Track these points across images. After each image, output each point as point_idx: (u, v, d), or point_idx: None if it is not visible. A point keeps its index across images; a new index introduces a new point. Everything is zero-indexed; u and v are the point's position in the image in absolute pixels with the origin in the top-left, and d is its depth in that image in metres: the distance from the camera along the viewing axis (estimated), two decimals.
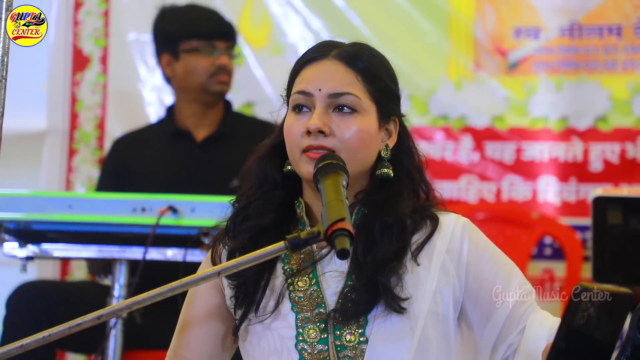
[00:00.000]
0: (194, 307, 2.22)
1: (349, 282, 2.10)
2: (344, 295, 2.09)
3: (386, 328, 2.06)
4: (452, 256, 2.12)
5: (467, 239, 2.14)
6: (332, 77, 2.13)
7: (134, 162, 4.15)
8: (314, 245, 2.13)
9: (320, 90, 2.12)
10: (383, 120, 2.17)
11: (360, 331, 2.08)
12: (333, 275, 2.12)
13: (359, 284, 2.08)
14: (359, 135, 2.11)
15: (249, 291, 2.13)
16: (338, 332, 2.08)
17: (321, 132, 2.09)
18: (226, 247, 2.19)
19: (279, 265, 2.16)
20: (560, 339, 1.73)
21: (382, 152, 2.16)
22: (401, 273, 2.08)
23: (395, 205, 2.12)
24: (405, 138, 2.21)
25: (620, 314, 1.76)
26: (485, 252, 2.15)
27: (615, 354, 1.76)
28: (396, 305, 2.05)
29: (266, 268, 2.14)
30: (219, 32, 4.15)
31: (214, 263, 2.20)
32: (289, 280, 2.13)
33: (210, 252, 2.24)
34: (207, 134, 4.17)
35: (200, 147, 4.16)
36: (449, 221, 2.16)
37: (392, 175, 2.15)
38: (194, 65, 4.13)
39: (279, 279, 2.15)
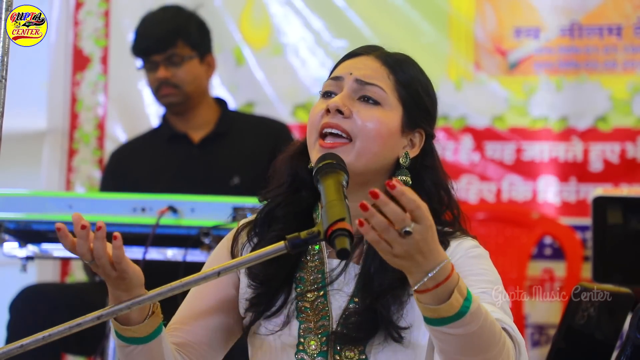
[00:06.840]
0: (209, 295, 2.19)
1: (352, 304, 2.09)
2: (346, 317, 2.08)
3: (386, 350, 2.05)
4: None
5: (462, 254, 2.06)
6: (364, 66, 2.15)
7: (134, 170, 4.16)
8: (326, 265, 2.13)
9: (350, 74, 2.13)
10: (408, 126, 2.14)
11: (360, 348, 2.07)
12: (340, 293, 2.11)
13: (361, 306, 2.07)
14: (378, 127, 2.09)
15: (267, 302, 2.12)
16: (338, 347, 2.08)
17: (340, 112, 2.09)
18: (251, 242, 2.18)
19: (293, 285, 2.14)
20: (560, 338, 1.73)
21: (400, 159, 2.13)
22: (403, 301, 2.05)
23: None
24: (430, 155, 2.17)
25: (620, 314, 1.76)
26: (472, 259, 2.05)
27: (615, 354, 1.76)
28: (395, 334, 2.04)
29: (285, 284, 2.13)
30: (151, 48, 4.14)
31: (233, 254, 2.19)
32: (299, 290, 2.13)
33: (231, 238, 2.21)
34: (204, 134, 4.18)
35: (198, 147, 4.16)
36: (456, 247, 2.08)
37: (411, 183, 2.09)
38: (148, 82, 4.23)
39: (292, 295, 2.14)
